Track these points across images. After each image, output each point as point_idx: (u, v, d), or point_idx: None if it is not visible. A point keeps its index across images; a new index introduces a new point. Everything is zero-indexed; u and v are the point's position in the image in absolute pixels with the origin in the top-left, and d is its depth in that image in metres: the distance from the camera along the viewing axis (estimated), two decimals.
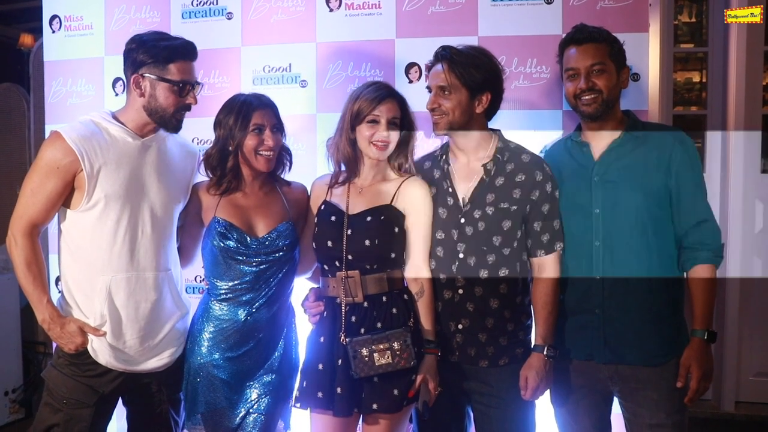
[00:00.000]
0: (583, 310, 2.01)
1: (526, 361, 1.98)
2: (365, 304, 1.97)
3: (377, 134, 1.97)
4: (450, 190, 2.03)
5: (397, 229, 1.99)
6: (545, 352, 1.96)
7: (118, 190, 1.94)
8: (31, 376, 3.91)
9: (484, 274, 1.98)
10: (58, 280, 2.23)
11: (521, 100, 2.52)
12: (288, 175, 2.20)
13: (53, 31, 2.90)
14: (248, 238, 2.03)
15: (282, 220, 2.08)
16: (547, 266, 2.01)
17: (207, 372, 2.03)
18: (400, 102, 2.02)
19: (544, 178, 1.99)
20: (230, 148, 2.04)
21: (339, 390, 1.92)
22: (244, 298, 2.03)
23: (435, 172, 2.09)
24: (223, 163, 2.06)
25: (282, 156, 2.14)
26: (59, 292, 2.11)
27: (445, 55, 1.98)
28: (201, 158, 2.14)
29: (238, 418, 2.01)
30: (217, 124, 2.07)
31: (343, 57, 2.63)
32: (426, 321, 1.99)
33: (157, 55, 1.95)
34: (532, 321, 2.06)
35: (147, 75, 1.96)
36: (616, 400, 2.07)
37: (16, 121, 4.19)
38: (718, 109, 3.65)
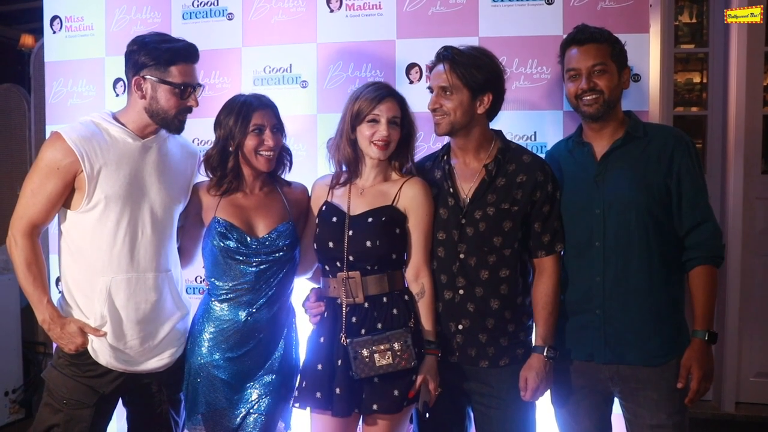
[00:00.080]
0: (583, 310, 2.01)
1: (526, 362, 1.98)
2: (366, 304, 1.97)
3: (377, 133, 1.97)
4: (451, 190, 2.03)
5: (398, 230, 1.99)
6: (545, 353, 1.97)
7: (118, 191, 1.94)
8: (31, 377, 3.91)
9: (484, 274, 1.98)
10: (58, 280, 2.24)
11: (522, 100, 2.52)
12: (288, 176, 2.20)
13: (54, 32, 2.90)
14: (248, 238, 2.03)
15: (282, 220, 2.08)
16: (547, 267, 2.01)
17: (207, 372, 2.03)
18: (400, 102, 2.02)
19: (545, 179, 1.99)
20: (230, 148, 2.04)
21: (338, 390, 1.92)
22: (244, 299, 2.03)
23: (436, 173, 2.09)
24: (223, 164, 2.06)
25: (282, 156, 2.14)
26: (59, 292, 2.12)
27: (446, 55, 1.98)
28: (201, 159, 2.14)
29: (238, 419, 2.01)
30: (218, 125, 2.07)
31: (343, 58, 2.63)
32: (426, 321, 1.99)
33: (159, 57, 1.95)
34: (532, 321, 2.05)
35: (148, 77, 1.96)
36: (616, 401, 2.07)
37: (17, 122, 4.19)
38: (719, 109, 3.65)
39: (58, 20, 2.89)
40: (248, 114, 2.02)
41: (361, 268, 1.97)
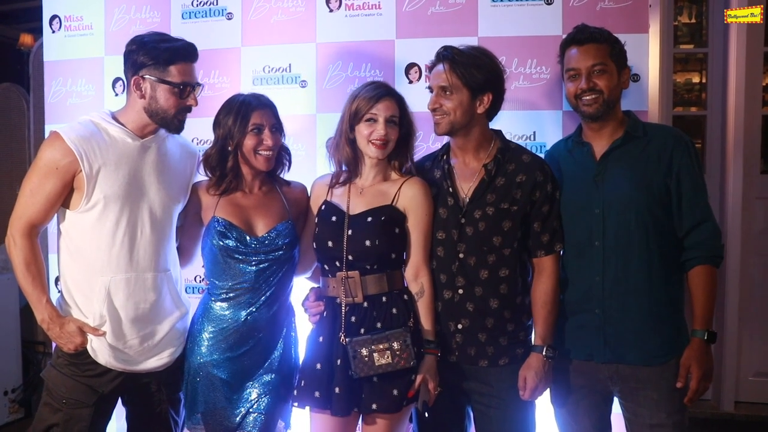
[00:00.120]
0: (583, 309, 2.01)
1: (525, 362, 1.98)
2: (365, 304, 1.97)
3: (375, 132, 1.97)
4: (450, 190, 2.03)
5: (397, 230, 1.99)
6: (544, 353, 1.97)
7: (117, 190, 1.94)
8: (31, 376, 3.90)
9: (484, 274, 1.98)
10: (57, 280, 2.23)
11: (521, 100, 2.52)
12: (288, 175, 2.20)
13: (53, 31, 2.90)
14: (248, 237, 2.03)
15: (281, 220, 2.08)
16: (546, 266, 2.01)
17: (207, 372, 2.03)
18: (399, 101, 2.02)
19: (545, 179, 1.99)
20: (230, 148, 2.04)
21: (337, 390, 1.92)
22: (244, 298, 2.03)
23: (436, 172, 2.09)
24: (222, 163, 2.06)
25: (281, 156, 2.14)
26: (59, 292, 2.11)
27: (446, 55, 1.98)
28: (200, 158, 2.14)
29: (238, 418, 2.01)
30: (217, 125, 2.07)
31: (343, 57, 2.63)
32: (426, 321, 1.99)
33: (158, 56, 1.95)
34: (532, 321, 2.05)
35: (147, 77, 1.96)
36: (616, 400, 2.07)
37: (16, 121, 4.19)
38: (718, 109, 3.65)
39: (57, 20, 2.88)
40: (247, 113, 2.02)
41: (361, 268, 1.97)
